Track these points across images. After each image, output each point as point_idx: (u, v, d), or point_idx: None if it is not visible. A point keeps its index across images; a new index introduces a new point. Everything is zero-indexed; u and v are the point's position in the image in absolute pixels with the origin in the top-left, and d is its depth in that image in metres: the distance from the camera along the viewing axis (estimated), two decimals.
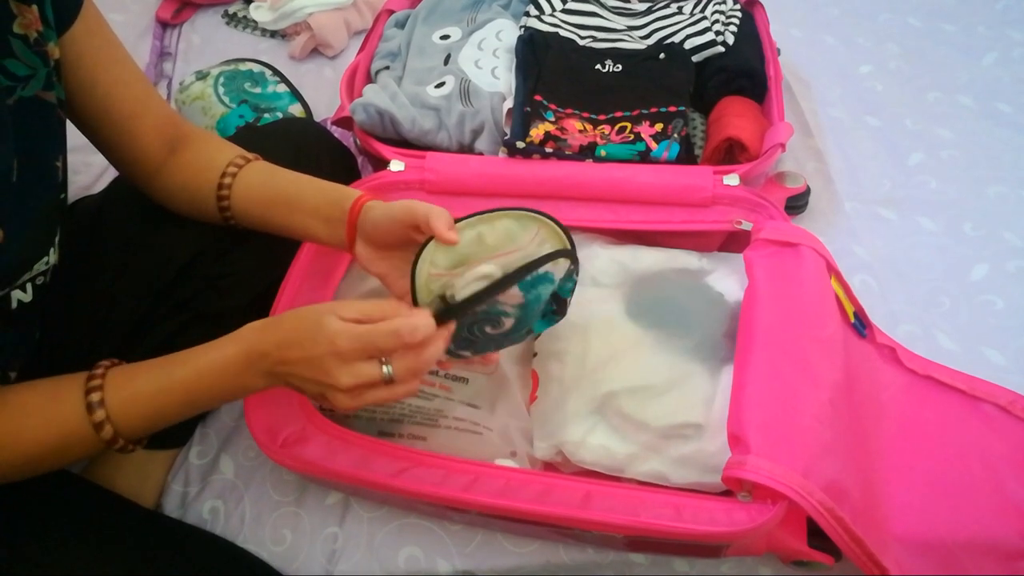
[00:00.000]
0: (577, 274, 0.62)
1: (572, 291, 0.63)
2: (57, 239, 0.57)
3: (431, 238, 0.56)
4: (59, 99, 0.55)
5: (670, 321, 0.71)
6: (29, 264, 0.54)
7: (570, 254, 0.59)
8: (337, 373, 0.50)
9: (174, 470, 0.75)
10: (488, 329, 0.58)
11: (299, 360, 0.51)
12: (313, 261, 0.74)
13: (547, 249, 0.58)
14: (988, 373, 0.76)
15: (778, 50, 0.97)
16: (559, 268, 0.59)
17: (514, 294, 0.57)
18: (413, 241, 0.58)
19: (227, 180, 0.65)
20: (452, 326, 0.54)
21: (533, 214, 0.58)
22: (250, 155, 0.67)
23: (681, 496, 0.59)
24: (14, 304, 0.54)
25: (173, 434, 0.72)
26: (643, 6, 1.02)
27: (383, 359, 0.51)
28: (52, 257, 0.56)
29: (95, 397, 0.52)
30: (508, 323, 0.58)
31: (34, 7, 0.51)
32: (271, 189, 0.65)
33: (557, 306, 0.63)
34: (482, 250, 0.58)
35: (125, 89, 0.61)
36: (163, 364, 0.55)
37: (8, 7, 0.49)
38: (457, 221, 0.57)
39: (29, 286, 0.55)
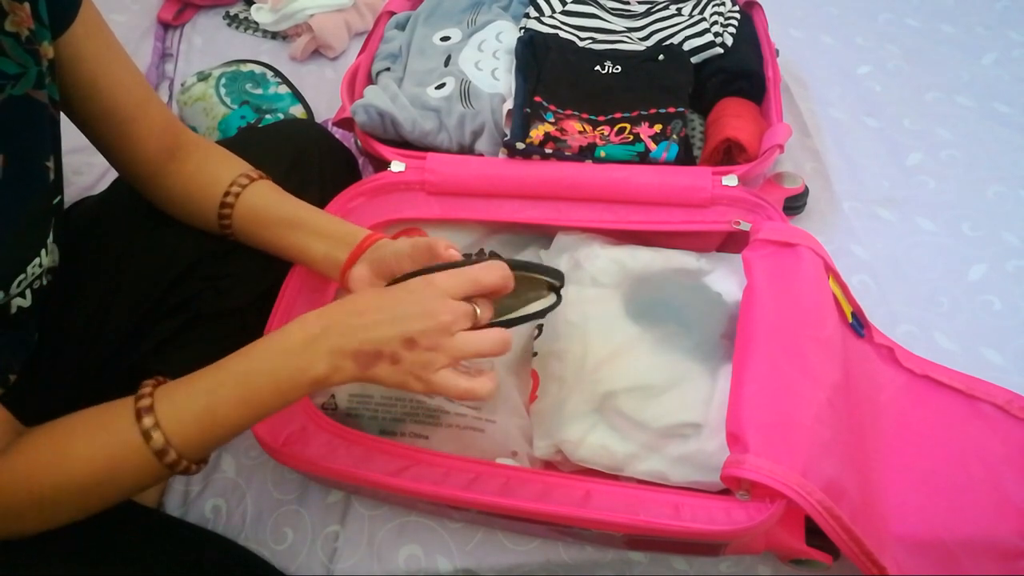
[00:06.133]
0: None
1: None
2: (49, 241, 0.57)
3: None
4: (51, 99, 0.54)
5: (669, 321, 0.71)
6: (19, 266, 0.53)
7: (556, 302, 0.59)
8: (438, 306, 0.49)
9: None
10: None
11: (384, 319, 0.49)
12: None
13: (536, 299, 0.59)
14: (986, 373, 0.76)
15: (776, 51, 0.97)
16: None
17: None
18: None
19: (230, 199, 0.65)
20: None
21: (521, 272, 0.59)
22: (255, 173, 0.67)
23: (680, 495, 0.59)
24: (13, 309, 0.54)
25: None
26: (642, 8, 1.02)
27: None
28: (44, 259, 0.56)
29: (148, 421, 0.47)
30: None
31: (26, 4, 0.50)
32: (278, 209, 0.66)
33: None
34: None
35: (124, 91, 0.61)
36: (218, 363, 0.50)
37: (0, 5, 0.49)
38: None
39: (28, 292, 0.55)
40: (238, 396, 0.49)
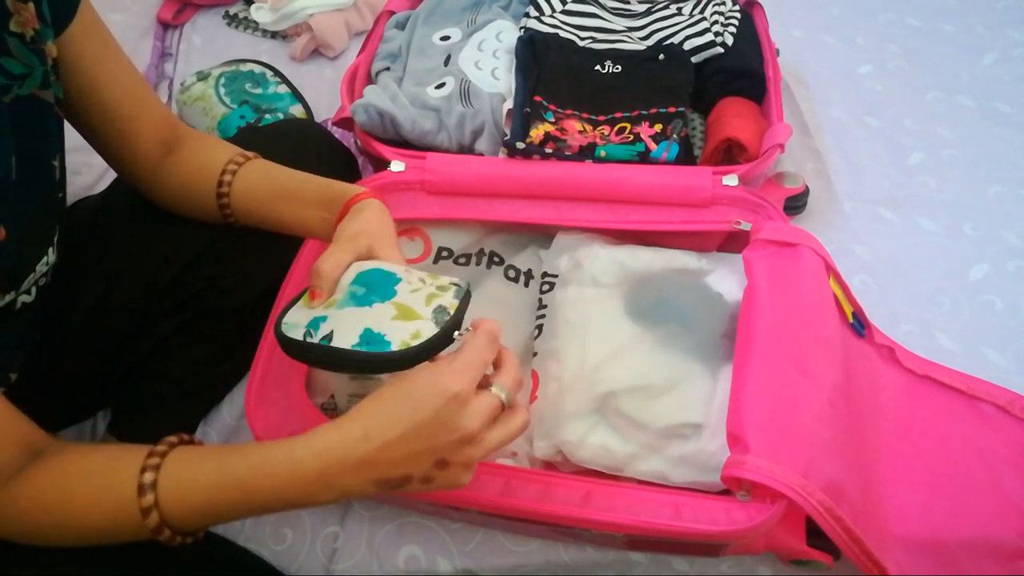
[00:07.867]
0: None
1: None
2: (55, 238, 0.57)
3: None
4: (56, 98, 0.55)
5: (669, 321, 0.71)
6: (31, 264, 0.54)
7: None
8: (464, 420, 0.45)
9: None
10: None
11: (410, 453, 0.45)
12: (314, 261, 0.74)
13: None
14: (988, 373, 0.76)
15: (777, 51, 0.97)
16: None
17: None
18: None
19: (227, 177, 0.64)
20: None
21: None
22: (249, 153, 0.67)
23: (681, 495, 0.59)
24: (18, 305, 0.54)
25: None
26: (642, 7, 1.02)
27: (490, 386, 0.47)
28: (51, 256, 0.57)
29: (148, 478, 0.47)
30: None
31: (31, 4, 0.50)
32: (273, 183, 0.65)
33: None
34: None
35: (122, 90, 0.61)
36: (223, 454, 0.49)
37: (4, 5, 0.49)
38: None
39: (34, 288, 0.55)
40: (240, 500, 0.48)
